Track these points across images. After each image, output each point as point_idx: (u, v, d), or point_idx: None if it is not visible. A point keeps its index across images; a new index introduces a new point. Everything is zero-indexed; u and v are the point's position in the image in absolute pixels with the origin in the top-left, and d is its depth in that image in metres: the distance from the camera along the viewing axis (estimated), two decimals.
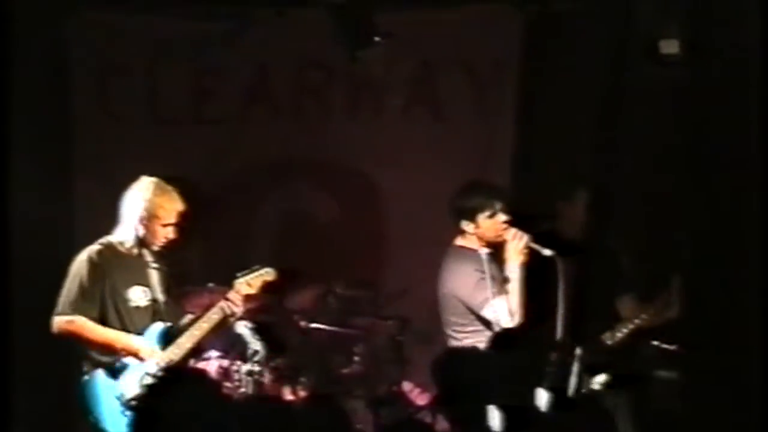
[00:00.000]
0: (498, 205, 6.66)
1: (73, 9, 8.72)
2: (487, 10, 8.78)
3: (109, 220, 6.86)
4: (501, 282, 6.60)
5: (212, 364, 8.01)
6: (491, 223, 6.68)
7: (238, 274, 6.79)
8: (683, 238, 8.07)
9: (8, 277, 7.57)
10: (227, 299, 6.72)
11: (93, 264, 6.65)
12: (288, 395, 8.16)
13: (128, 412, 6.55)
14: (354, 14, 8.26)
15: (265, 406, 7.87)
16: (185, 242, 6.86)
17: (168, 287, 6.80)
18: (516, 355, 6.59)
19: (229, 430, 7.09)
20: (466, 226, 6.73)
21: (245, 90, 8.96)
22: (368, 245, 8.92)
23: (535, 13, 8.63)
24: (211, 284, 7.81)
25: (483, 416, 6.42)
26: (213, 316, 6.69)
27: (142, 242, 6.74)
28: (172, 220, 6.74)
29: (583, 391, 6.62)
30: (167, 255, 6.85)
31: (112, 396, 6.58)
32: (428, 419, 7.98)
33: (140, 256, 6.77)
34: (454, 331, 6.74)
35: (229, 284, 6.84)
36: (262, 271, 6.80)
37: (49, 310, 6.75)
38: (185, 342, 6.66)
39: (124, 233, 6.76)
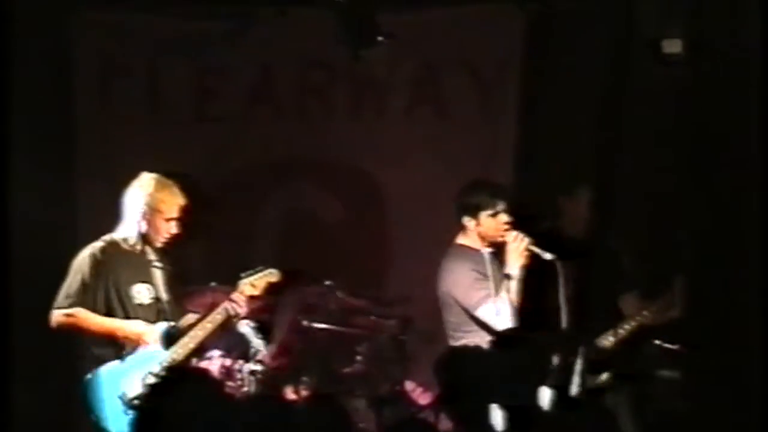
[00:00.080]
0: (501, 205, 6.66)
1: (74, 9, 8.73)
2: (489, 10, 8.79)
3: (112, 219, 6.86)
4: (499, 283, 6.59)
5: (214, 363, 8.00)
6: (493, 222, 6.68)
7: (242, 275, 6.78)
8: (685, 237, 8.07)
9: (9, 277, 7.58)
10: (231, 300, 6.71)
11: (95, 260, 6.66)
12: (290, 394, 8.16)
13: (130, 412, 6.54)
14: (357, 14, 8.27)
15: (267, 405, 7.87)
16: (188, 238, 6.85)
17: (171, 286, 6.79)
18: (518, 354, 6.58)
19: (231, 430, 7.09)
20: (468, 222, 6.73)
21: (247, 89, 8.96)
22: (371, 245, 8.92)
23: (538, 12, 8.63)
24: (213, 283, 7.80)
25: (485, 415, 6.42)
26: (217, 317, 6.69)
27: (145, 239, 6.74)
28: (174, 214, 6.74)
29: (586, 390, 6.62)
30: (170, 253, 6.84)
31: (115, 395, 6.57)
32: (431, 419, 7.98)
33: (143, 253, 6.77)
34: (452, 330, 6.74)
35: (231, 283, 6.84)
36: (266, 272, 6.79)
37: (50, 305, 6.76)
38: (188, 342, 6.66)
39: (127, 230, 6.76)
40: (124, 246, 6.76)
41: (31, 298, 7.68)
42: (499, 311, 6.52)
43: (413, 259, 8.44)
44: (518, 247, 6.54)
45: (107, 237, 6.80)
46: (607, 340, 6.92)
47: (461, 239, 6.80)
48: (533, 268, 6.55)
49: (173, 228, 6.73)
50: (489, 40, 8.78)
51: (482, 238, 6.73)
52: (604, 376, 6.89)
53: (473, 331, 6.68)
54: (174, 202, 6.73)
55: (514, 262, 6.53)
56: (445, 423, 7.66)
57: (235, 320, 6.75)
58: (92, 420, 6.60)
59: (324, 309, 8.41)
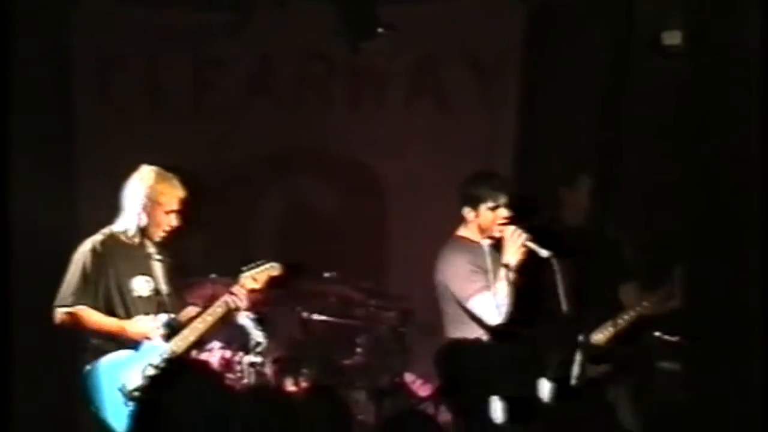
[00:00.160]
0: (502, 199, 6.62)
1: (72, 1, 8.72)
2: (489, 1, 8.79)
3: (112, 214, 6.85)
4: (495, 277, 6.59)
5: (215, 355, 8.01)
6: (492, 215, 6.66)
7: (243, 268, 6.77)
8: (685, 227, 8.07)
9: (9, 272, 7.58)
10: (232, 293, 6.70)
11: (96, 254, 6.65)
12: (290, 386, 8.16)
13: (130, 403, 6.55)
14: (356, 5, 8.27)
15: (267, 397, 7.88)
16: (187, 231, 6.85)
17: (171, 278, 6.79)
18: (518, 346, 6.57)
19: (231, 422, 7.10)
20: (468, 214, 6.72)
21: (247, 81, 8.97)
22: (371, 236, 8.93)
23: (538, 4, 8.63)
24: (213, 275, 7.81)
25: (485, 407, 6.42)
26: (217, 310, 6.68)
27: (144, 232, 6.73)
28: (175, 206, 6.73)
29: (585, 381, 6.63)
30: (169, 246, 6.84)
31: (114, 387, 6.57)
32: (431, 410, 7.99)
33: (143, 246, 6.76)
34: (450, 322, 6.73)
35: (231, 275, 6.83)
36: (267, 266, 6.78)
37: (51, 303, 6.75)
38: (189, 335, 6.65)
39: (127, 222, 6.75)
40: (124, 239, 6.76)
41: (31, 292, 7.69)
42: (491, 305, 6.51)
43: (413, 250, 8.42)
44: (515, 243, 6.51)
45: (106, 230, 6.79)
46: (607, 331, 6.92)
47: (461, 231, 6.79)
48: (531, 262, 6.53)
49: (173, 220, 6.72)
50: (489, 32, 8.78)
51: (481, 230, 6.72)
52: (604, 367, 6.87)
53: (470, 323, 6.67)
54: (174, 194, 6.73)
55: (511, 258, 6.51)
56: (444, 415, 7.67)
57: (235, 314, 6.74)
58: (92, 412, 6.59)
59: (324, 301, 8.42)
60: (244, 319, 6.85)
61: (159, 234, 6.73)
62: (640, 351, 7.26)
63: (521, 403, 6.40)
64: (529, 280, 6.53)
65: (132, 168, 6.85)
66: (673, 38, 7.96)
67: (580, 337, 6.47)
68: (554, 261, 6.33)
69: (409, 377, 8.29)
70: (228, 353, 7.99)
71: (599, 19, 8.38)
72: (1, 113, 7.66)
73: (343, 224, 8.93)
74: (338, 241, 8.81)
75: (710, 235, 8.03)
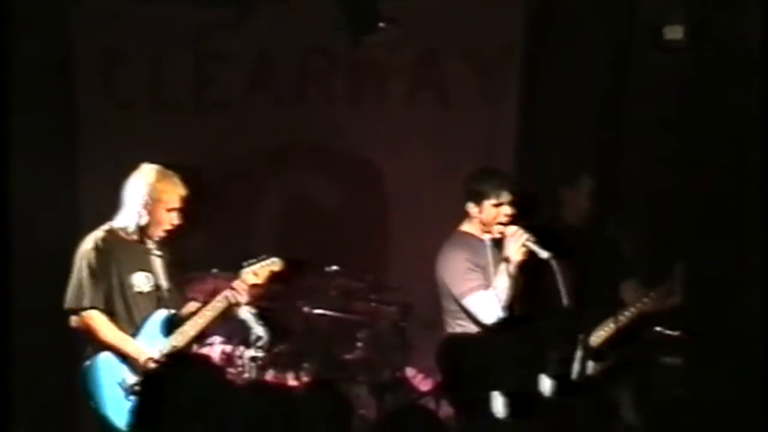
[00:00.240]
0: (506, 196, 6.61)
1: None
2: None
3: (114, 210, 6.81)
4: (495, 272, 6.58)
5: (215, 349, 8.02)
6: (495, 212, 6.63)
7: (244, 263, 6.74)
8: (686, 224, 8.07)
9: (10, 268, 7.59)
10: (232, 288, 6.69)
11: (100, 251, 6.62)
12: (291, 381, 8.17)
13: (131, 398, 6.54)
14: (358, 0, 8.27)
15: (268, 391, 7.89)
16: (188, 229, 6.83)
17: (171, 273, 6.78)
18: (519, 341, 6.57)
19: (232, 416, 7.10)
20: (472, 209, 6.70)
21: (248, 76, 8.97)
22: (372, 231, 8.93)
23: None
24: (214, 270, 7.80)
25: (486, 402, 6.42)
26: (218, 305, 6.65)
27: (144, 230, 6.72)
28: (176, 204, 6.71)
29: (586, 377, 6.63)
30: (169, 243, 6.82)
31: (115, 382, 6.55)
32: (431, 405, 8.00)
33: (142, 242, 6.75)
34: (450, 317, 6.72)
35: (232, 270, 6.80)
36: (268, 261, 6.74)
37: (51, 302, 6.75)
38: (189, 330, 6.63)
39: (127, 219, 6.73)
40: (123, 235, 6.74)
41: (31, 291, 7.71)
42: (486, 304, 6.50)
43: (413, 245, 8.43)
44: (516, 242, 6.49)
45: (106, 226, 6.75)
46: (608, 328, 6.91)
47: (464, 226, 6.77)
48: (532, 260, 6.51)
49: (175, 218, 6.70)
50: (490, 26, 8.77)
51: (484, 226, 6.70)
52: (605, 363, 6.87)
53: (467, 319, 6.68)
54: (175, 192, 6.70)
55: (511, 258, 6.50)
56: (445, 409, 7.67)
57: (236, 308, 6.73)
58: (92, 407, 6.59)
59: (325, 295, 8.42)
60: (245, 313, 6.82)
61: (159, 233, 6.71)
62: (641, 347, 7.26)
63: (522, 398, 6.40)
64: (528, 277, 6.52)
65: (134, 165, 6.82)
66: (674, 33, 7.96)
67: (581, 334, 6.48)
68: (554, 262, 6.31)
69: (410, 372, 8.31)
70: (229, 348, 8.00)
71: (600, 13, 8.39)
72: (1, 113, 7.66)
73: (344, 219, 8.94)
74: (339, 235, 8.81)
75: (711, 232, 8.03)
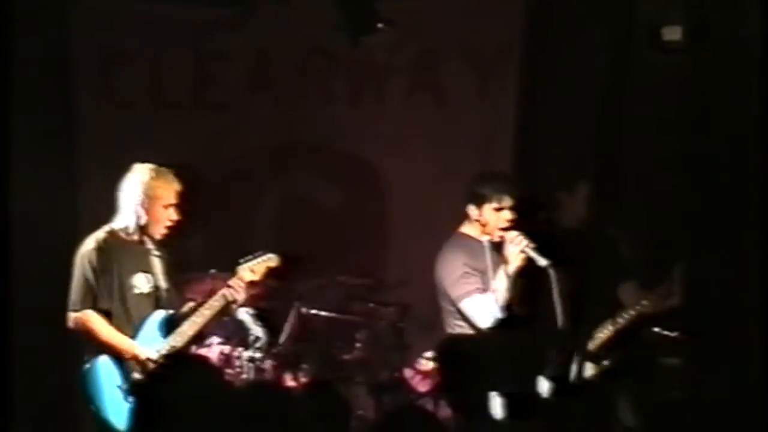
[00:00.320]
0: (507, 201, 6.58)
1: None
2: None
3: (113, 210, 6.82)
4: (495, 276, 6.56)
5: (214, 350, 8.03)
6: (495, 216, 6.60)
7: (241, 260, 6.75)
8: (685, 224, 8.06)
9: (9, 270, 7.58)
10: (230, 286, 6.69)
11: (101, 252, 6.63)
12: (289, 381, 8.17)
13: (130, 400, 6.54)
14: (357, 0, 8.26)
15: (266, 392, 7.89)
16: (187, 227, 6.83)
17: (170, 274, 6.78)
18: (518, 342, 6.56)
19: (230, 417, 7.10)
20: (472, 211, 6.69)
21: (248, 76, 8.96)
22: (370, 231, 8.92)
23: None
24: (213, 270, 7.80)
25: (485, 403, 6.41)
26: (215, 303, 6.65)
27: (144, 229, 6.72)
28: (172, 200, 6.71)
29: (585, 379, 6.62)
30: (168, 242, 6.82)
31: (114, 384, 6.56)
32: (430, 406, 8.00)
33: (142, 242, 6.75)
34: (449, 317, 6.72)
35: (231, 270, 6.80)
36: (265, 257, 6.75)
37: (51, 302, 6.75)
38: (187, 329, 6.63)
39: (126, 220, 6.74)
40: (123, 236, 6.74)
41: (30, 292, 7.70)
42: (481, 309, 6.49)
43: (412, 245, 8.44)
44: (515, 248, 6.47)
45: (106, 227, 6.77)
46: (607, 330, 6.91)
47: (464, 227, 6.76)
48: (530, 266, 6.49)
49: (172, 214, 6.71)
50: (489, 27, 8.77)
51: (484, 228, 6.69)
52: (604, 365, 6.87)
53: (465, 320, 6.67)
54: (171, 188, 6.71)
55: (510, 264, 6.48)
56: (444, 410, 7.67)
57: (234, 306, 6.73)
58: (92, 410, 6.59)
59: (323, 296, 8.42)
60: (244, 314, 6.83)
61: (160, 231, 6.71)
62: (640, 349, 7.25)
63: (521, 399, 6.39)
64: (527, 280, 6.51)
65: (133, 162, 6.84)
66: (673, 34, 7.95)
67: (579, 338, 6.48)
68: (552, 271, 6.29)
69: (408, 372, 8.29)
70: (227, 348, 8.01)
71: (599, 13, 8.38)
72: (3, 103, 7.66)
73: (343, 219, 8.93)
74: (338, 236, 8.81)
75: (710, 233, 8.01)
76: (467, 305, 6.52)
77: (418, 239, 8.15)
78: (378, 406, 8.16)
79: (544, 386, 6.37)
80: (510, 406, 6.38)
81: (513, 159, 8.64)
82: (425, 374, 8.04)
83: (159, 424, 6.54)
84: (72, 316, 6.61)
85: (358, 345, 8.37)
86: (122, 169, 6.83)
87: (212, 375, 7.51)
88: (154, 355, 6.56)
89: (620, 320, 6.90)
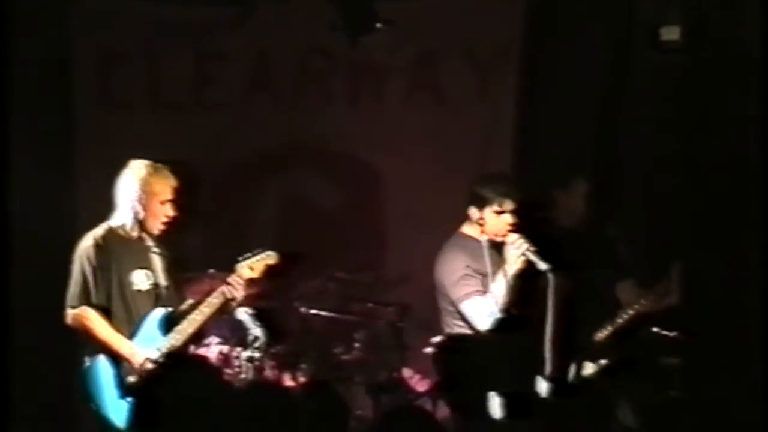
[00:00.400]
0: (509, 205, 6.56)
1: None
2: None
3: (112, 208, 6.83)
4: (494, 277, 6.55)
5: (213, 350, 8.03)
6: (496, 220, 6.57)
7: (240, 258, 6.75)
8: (683, 224, 8.06)
9: (9, 269, 7.58)
10: (228, 283, 6.69)
11: (99, 248, 6.64)
12: (288, 381, 8.17)
13: (129, 399, 6.54)
14: (356, 0, 8.27)
15: (265, 392, 7.89)
16: (186, 224, 6.83)
17: (170, 272, 6.78)
18: (517, 341, 6.56)
19: (229, 416, 7.10)
20: (473, 213, 6.66)
21: (247, 76, 8.97)
22: (369, 231, 8.93)
23: None
24: (211, 270, 7.80)
25: (483, 403, 6.41)
26: (214, 301, 6.64)
27: (142, 224, 6.72)
28: (169, 196, 6.70)
29: (584, 377, 6.62)
30: (167, 240, 6.83)
31: (113, 383, 6.55)
32: (428, 406, 8.00)
33: (141, 239, 6.75)
34: (447, 317, 6.71)
35: (229, 270, 6.80)
36: (263, 255, 6.74)
37: (50, 301, 6.75)
38: (187, 327, 6.63)
39: (123, 216, 6.73)
40: (122, 233, 6.74)
41: (30, 291, 7.70)
42: (481, 311, 6.48)
43: (411, 245, 8.44)
44: (516, 252, 6.46)
45: (105, 225, 6.77)
46: (605, 329, 6.91)
47: (465, 227, 6.74)
48: (531, 267, 6.48)
49: (169, 210, 6.71)
50: (488, 27, 8.77)
51: (485, 231, 6.67)
52: (602, 364, 6.87)
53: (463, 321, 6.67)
54: (167, 183, 6.71)
55: (510, 266, 6.47)
56: (442, 410, 7.67)
57: (233, 304, 6.72)
58: (92, 408, 6.59)
59: (322, 296, 8.42)
60: (242, 314, 6.82)
61: (157, 226, 6.71)
62: (639, 348, 7.25)
63: (519, 400, 6.38)
64: (527, 281, 6.50)
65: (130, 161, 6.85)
66: (671, 34, 7.95)
67: (578, 336, 6.48)
68: (551, 276, 6.28)
69: (407, 372, 8.30)
70: (226, 348, 8.00)
71: (598, 14, 8.39)
72: (1, 102, 7.66)
73: (342, 219, 8.93)
74: (337, 235, 8.80)
75: (708, 232, 8.02)
76: (467, 307, 6.51)
77: (417, 239, 8.15)
78: (377, 406, 8.15)
79: (542, 386, 6.36)
80: (509, 405, 6.37)
81: (512, 159, 8.64)
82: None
83: (158, 425, 6.53)
84: (70, 313, 6.62)
85: (356, 345, 8.37)
86: (121, 169, 6.83)
87: (211, 375, 7.50)
88: (154, 354, 6.55)
89: (618, 320, 6.90)
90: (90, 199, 8.14)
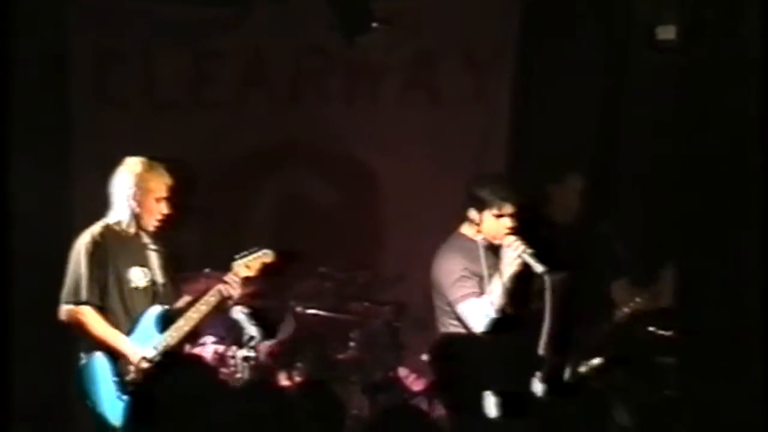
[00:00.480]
0: (508, 209, 6.53)
1: None
2: None
3: (108, 207, 6.84)
4: (490, 277, 6.55)
5: (208, 349, 8.02)
6: (495, 222, 6.55)
7: (236, 256, 6.75)
8: (678, 223, 8.06)
9: (8, 267, 7.58)
10: (225, 282, 6.69)
11: (97, 245, 6.64)
12: (284, 381, 8.17)
13: (125, 397, 6.54)
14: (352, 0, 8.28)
15: (260, 391, 7.88)
16: (182, 221, 6.84)
17: (166, 269, 6.78)
18: (512, 341, 6.56)
19: (225, 416, 7.09)
20: (472, 214, 6.64)
21: (243, 75, 8.96)
22: (365, 231, 8.92)
23: None
24: (207, 269, 7.79)
25: (479, 402, 6.41)
26: (210, 299, 6.65)
27: (138, 221, 6.73)
28: (164, 193, 6.71)
29: (579, 378, 6.62)
30: (164, 237, 6.83)
31: (109, 380, 6.56)
32: (424, 405, 8.00)
33: (138, 236, 6.76)
34: (443, 317, 6.71)
35: (225, 269, 6.80)
36: (260, 253, 6.74)
37: (49, 300, 6.75)
38: (183, 325, 6.63)
39: (119, 214, 6.74)
40: (118, 230, 6.74)
41: (28, 289, 7.69)
42: (477, 313, 6.48)
43: (407, 244, 8.45)
44: (513, 253, 6.45)
45: (101, 222, 6.78)
46: (600, 328, 6.92)
47: (464, 228, 6.72)
48: (528, 269, 6.48)
49: (164, 208, 6.71)
50: (484, 26, 8.78)
51: (482, 233, 6.66)
52: (597, 363, 6.87)
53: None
54: (162, 181, 6.72)
55: (506, 268, 6.47)
56: (438, 409, 7.67)
57: (229, 302, 6.73)
58: (88, 406, 6.58)
59: (318, 295, 8.42)
60: (238, 313, 6.82)
61: (152, 223, 6.72)
62: (634, 347, 7.25)
63: (515, 399, 6.38)
64: (523, 281, 6.50)
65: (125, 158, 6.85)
66: (667, 33, 7.95)
67: (573, 335, 6.48)
68: (547, 278, 6.28)
69: (402, 372, 8.30)
70: (221, 348, 8.00)
71: (595, 13, 8.39)
72: (1, 112, 7.66)
73: (338, 218, 8.93)
74: (333, 235, 8.80)
75: (705, 231, 8.01)
76: (463, 308, 6.51)
77: (413, 238, 8.16)
78: (372, 406, 8.15)
79: (538, 385, 6.37)
80: (504, 405, 6.37)
81: (508, 159, 8.65)
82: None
83: (154, 424, 6.53)
84: (64, 309, 6.62)
85: (352, 344, 8.36)
86: (118, 168, 6.84)
87: (207, 374, 7.49)
88: (150, 353, 6.56)
89: (614, 318, 6.91)
90: (87, 197, 8.13)
